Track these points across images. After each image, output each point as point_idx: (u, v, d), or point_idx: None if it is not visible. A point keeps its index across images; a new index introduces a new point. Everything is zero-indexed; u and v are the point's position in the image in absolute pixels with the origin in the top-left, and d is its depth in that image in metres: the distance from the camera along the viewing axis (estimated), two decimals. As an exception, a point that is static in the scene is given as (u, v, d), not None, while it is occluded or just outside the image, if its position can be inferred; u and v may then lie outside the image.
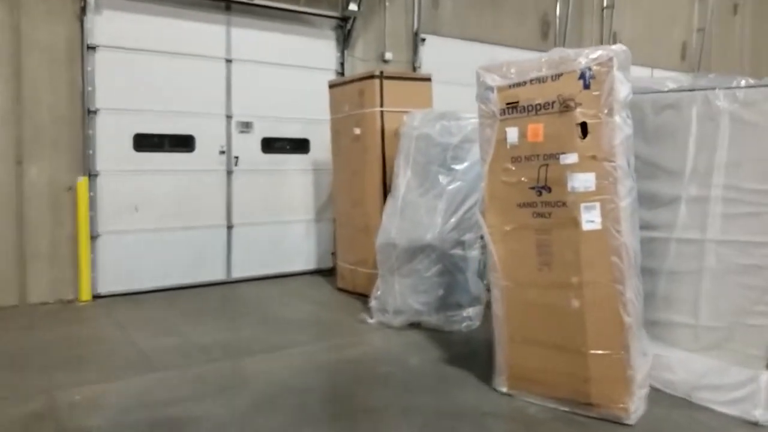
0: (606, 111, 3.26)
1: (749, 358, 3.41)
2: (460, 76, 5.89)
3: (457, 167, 4.82)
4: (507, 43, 8.49)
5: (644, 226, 3.64)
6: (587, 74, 3.27)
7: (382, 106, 5.60)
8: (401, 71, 6.48)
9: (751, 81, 3.49)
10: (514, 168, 3.55)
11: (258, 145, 6.88)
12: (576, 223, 3.34)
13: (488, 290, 4.94)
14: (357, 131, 5.80)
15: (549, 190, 3.43)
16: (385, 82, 5.58)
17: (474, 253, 4.87)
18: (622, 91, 3.28)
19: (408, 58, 7.71)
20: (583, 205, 3.32)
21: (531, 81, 3.45)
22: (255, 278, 6.93)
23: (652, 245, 3.74)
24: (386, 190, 5.65)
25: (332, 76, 7.05)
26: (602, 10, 9.46)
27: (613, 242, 3.30)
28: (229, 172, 6.72)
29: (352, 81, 5.87)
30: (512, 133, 3.54)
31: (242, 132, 6.74)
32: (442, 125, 4.92)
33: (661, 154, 3.75)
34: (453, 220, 4.78)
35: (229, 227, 6.79)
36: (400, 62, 7.56)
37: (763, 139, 3.38)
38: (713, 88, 3.56)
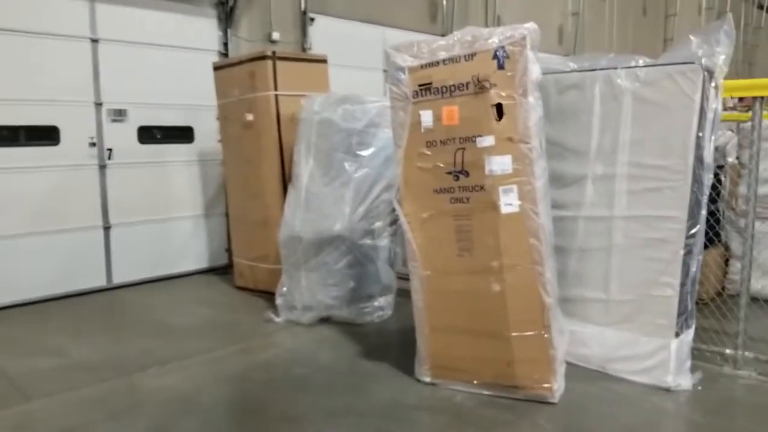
0: (521, 91, 3.21)
1: (658, 328, 3.55)
2: (352, 58, 5.71)
3: (363, 153, 4.62)
4: (398, 25, 8.37)
5: (553, 206, 3.65)
6: (501, 54, 3.19)
7: (276, 89, 5.24)
8: (295, 52, 6.13)
9: (649, 60, 3.60)
10: (429, 153, 3.41)
11: (134, 135, 6.23)
12: (495, 206, 3.28)
13: (399, 278, 4.88)
14: (249, 117, 5.40)
15: (466, 174, 3.33)
16: (279, 64, 5.22)
17: (384, 241, 4.71)
18: (534, 71, 3.23)
19: (297, 39, 7.35)
20: (501, 188, 3.26)
21: (444, 61, 3.31)
22: (141, 282, 6.32)
23: (562, 224, 3.78)
24: (285, 180, 5.33)
25: (215, 58, 6.53)
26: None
27: (531, 224, 3.28)
28: (102, 167, 6.04)
29: (241, 62, 5.44)
30: (426, 117, 3.39)
31: (115, 121, 6.06)
32: (344, 109, 4.68)
33: (566, 133, 3.79)
34: (361, 209, 4.59)
35: (107, 228, 6.11)
36: (288, 43, 7.18)
37: (663, 117, 3.49)
38: (615, 68, 3.63)
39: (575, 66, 3.75)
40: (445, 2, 9.03)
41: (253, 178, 5.56)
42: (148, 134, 6.33)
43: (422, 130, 3.40)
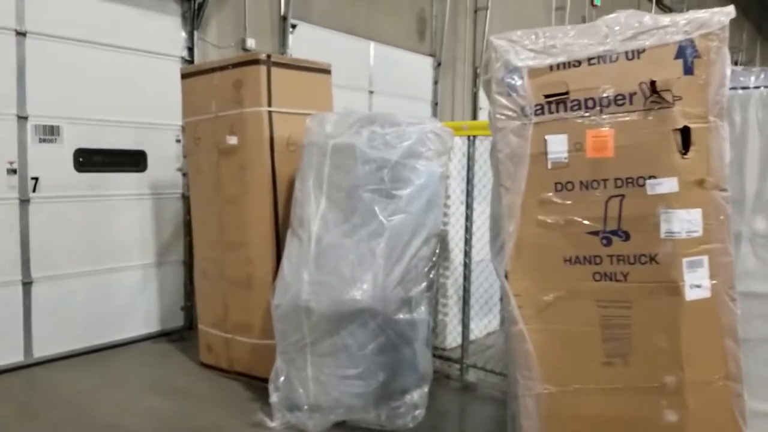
0: (716, 110, 2.05)
1: None
2: (335, 75, 4.52)
3: (400, 193, 3.35)
4: (384, 40, 7.22)
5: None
6: (689, 51, 2.03)
7: (270, 104, 3.91)
8: (294, 58, 4.78)
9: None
10: (560, 201, 2.19)
11: (69, 161, 4.70)
12: (674, 289, 2.08)
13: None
14: (232, 140, 4.03)
15: (625, 236, 2.12)
16: (275, 72, 3.91)
17: (423, 314, 3.43)
18: (728, 79, 2.10)
19: (275, 48, 6.04)
20: (685, 260, 2.07)
21: (590, 60, 2.12)
22: (70, 355, 4.73)
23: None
24: (278, 225, 3.99)
25: (177, 65, 5.13)
26: (475, 12, 8.67)
27: (727, 317, 2.11)
28: (24, 201, 4.48)
29: (222, 68, 4.08)
30: (557, 144, 2.17)
31: (44, 141, 4.53)
32: (373, 133, 3.41)
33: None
34: (398, 269, 3.30)
35: (27, 283, 4.52)
36: (264, 53, 5.86)
37: None
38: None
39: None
40: (434, 19, 7.96)
41: (232, 221, 4.16)
42: (87, 159, 4.80)
43: (549, 166, 2.18)
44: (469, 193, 3.98)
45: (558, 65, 2.15)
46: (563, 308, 2.22)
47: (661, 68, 2.04)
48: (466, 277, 4.08)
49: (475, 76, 8.32)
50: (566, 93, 2.14)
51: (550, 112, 2.17)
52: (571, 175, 2.16)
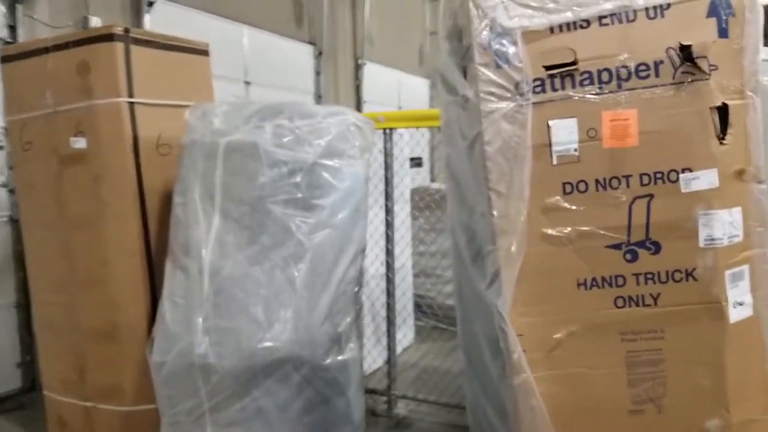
0: (753, 82, 1.64)
1: None
2: None
3: (321, 202, 2.65)
4: (259, 25, 6.39)
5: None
6: (723, 6, 1.58)
7: (131, 93, 3.00)
8: (164, 35, 3.75)
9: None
10: (570, 207, 1.66)
11: None
12: (717, 310, 1.64)
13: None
14: (78, 143, 3.04)
15: (655, 248, 1.64)
16: (136, 51, 2.99)
17: (355, 351, 2.77)
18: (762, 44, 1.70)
19: (126, 31, 5.01)
20: (728, 273, 1.64)
21: (601, 18, 1.61)
22: None
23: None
24: (151, 253, 3.12)
25: (-7, 50, 3.97)
26: (352, 6, 8.08)
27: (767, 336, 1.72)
28: None
29: (60, 47, 3.05)
30: (564, 132, 1.64)
31: None
32: (279, 127, 2.67)
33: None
34: (325, 300, 2.60)
35: None
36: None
37: None
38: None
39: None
40: (311, 5, 7.26)
41: (85, 251, 3.16)
42: None
43: (554, 161, 1.65)
44: (389, 196, 3.38)
45: (561, 26, 1.61)
46: (578, 346, 1.70)
47: (692, 29, 1.59)
48: (390, 294, 3.49)
49: (357, 67, 7.75)
50: (574, 63, 1.61)
51: (554, 89, 1.63)
52: (584, 172, 1.64)
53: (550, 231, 1.66)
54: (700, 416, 1.67)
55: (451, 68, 1.84)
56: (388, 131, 3.34)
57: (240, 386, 2.55)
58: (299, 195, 2.64)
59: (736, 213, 1.63)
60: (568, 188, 1.65)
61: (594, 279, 1.67)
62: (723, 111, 1.59)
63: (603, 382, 1.70)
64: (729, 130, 1.60)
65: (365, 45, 7.85)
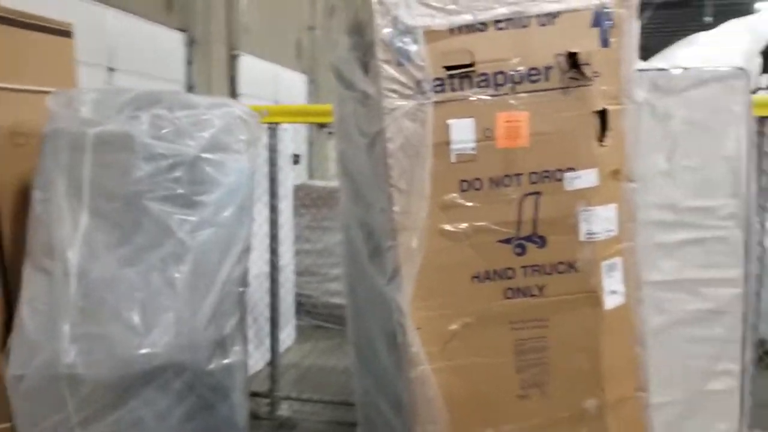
0: (629, 89, 1.80)
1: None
2: None
3: (204, 199, 2.50)
4: (124, 7, 5.94)
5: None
6: (605, 18, 1.72)
7: (-23, 76, 2.67)
8: (16, 10, 3.24)
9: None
10: (466, 203, 1.71)
11: None
12: (594, 299, 1.78)
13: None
14: None
15: (541, 241, 1.75)
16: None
17: (240, 355, 2.66)
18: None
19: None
20: (604, 264, 1.78)
21: (497, 23, 1.67)
22: None
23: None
24: (4, 256, 2.79)
25: None
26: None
27: (637, 322, 1.90)
28: None
29: None
30: (462, 131, 1.68)
31: None
32: (157, 117, 2.48)
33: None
34: (209, 302, 2.46)
35: None
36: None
37: (701, 140, 2.50)
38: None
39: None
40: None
41: None
42: None
43: (453, 159, 1.69)
44: (274, 194, 3.29)
45: (461, 28, 1.66)
46: (472, 337, 1.77)
47: (578, 38, 1.70)
48: (274, 294, 3.40)
49: (232, 58, 7.46)
50: (472, 65, 1.67)
51: (453, 90, 1.67)
52: (480, 170, 1.70)
53: (447, 227, 1.71)
54: (580, 397, 1.81)
55: (350, 63, 1.83)
56: (272, 126, 3.25)
57: (114, 397, 2.35)
58: (180, 191, 2.49)
59: (612, 209, 1.78)
60: (465, 186, 1.70)
61: (487, 272, 1.74)
62: (603, 115, 1.73)
63: (494, 370, 1.78)
64: (608, 133, 1.75)
65: (241, 35, 7.59)
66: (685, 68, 2.51)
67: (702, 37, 2.66)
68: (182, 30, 6.89)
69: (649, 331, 2.47)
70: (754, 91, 2.74)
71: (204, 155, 2.53)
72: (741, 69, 2.46)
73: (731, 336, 2.52)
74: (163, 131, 2.51)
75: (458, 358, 1.77)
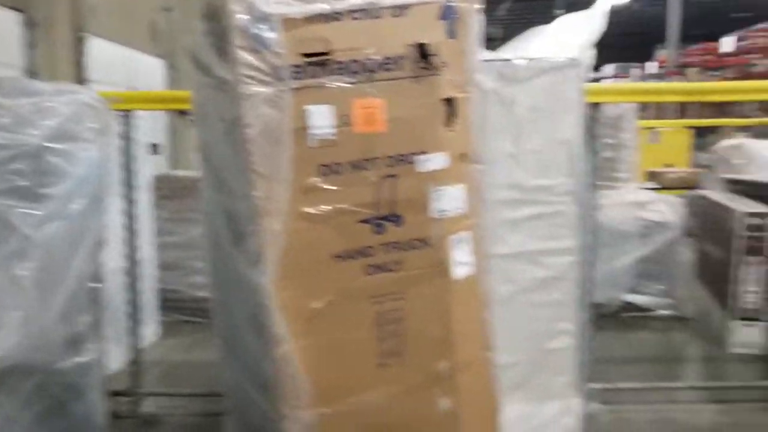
0: (473, 79, 1.96)
1: (559, 388, 2.84)
2: None
3: (51, 191, 2.34)
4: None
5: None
6: (451, 11, 1.86)
7: None
8: None
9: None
10: (327, 187, 1.77)
11: None
12: (443, 271, 1.93)
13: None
14: None
15: (399, 220, 1.86)
16: None
17: (94, 352, 2.53)
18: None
19: None
20: (452, 237, 1.94)
21: (352, 13, 1.74)
22: None
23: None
24: None
25: None
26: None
27: (485, 289, 2.09)
28: None
29: None
30: (321, 117, 1.74)
31: None
32: (-7, 104, 2.29)
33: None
34: (59, 298, 2.31)
35: None
36: None
37: (539, 124, 2.77)
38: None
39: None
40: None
41: None
42: None
43: (311, 144, 1.74)
44: (129, 186, 3.14)
45: (317, 16, 1.71)
46: (335, 314, 1.84)
47: (427, 29, 1.82)
48: (133, 289, 3.25)
49: (78, 41, 6.89)
50: (328, 53, 1.73)
51: (311, 77, 1.72)
52: (340, 154, 1.78)
53: (309, 210, 1.77)
54: (433, 362, 1.95)
55: (206, 48, 1.82)
56: (125, 113, 3.10)
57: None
58: (22, 183, 2.33)
59: (461, 189, 1.94)
60: (325, 170, 1.77)
61: (348, 251, 1.82)
62: (451, 102, 1.88)
63: (356, 343, 1.88)
64: (455, 120, 1.90)
65: (88, 17, 7.03)
66: (528, 59, 2.76)
67: (543, 30, 2.93)
68: (18, 9, 6.25)
69: (499, 299, 2.74)
70: (589, 81, 3.09)
71: (49, 145, 2.38)
72: (575, 60, 2.76)
73: (568, 299, 2.83)
74: (1, 120, 2.32)
75: (322, 335, 1.84)
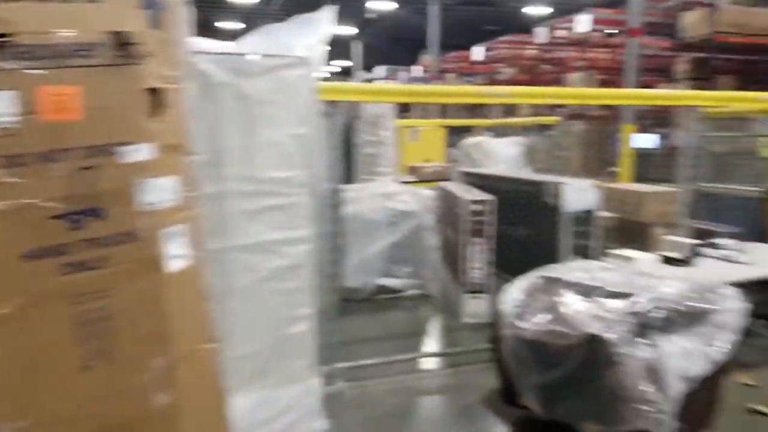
0: (183, 71, 1.93)
1: (299, 372, 2.97)
2: None
3: None
4: None
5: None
6: (155, 2, 1.80)
7: None
8: None
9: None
10: (11, 180, 1.61)
11: None
12: (155, 265, 1.89)
13: None
14: None
15: (101, 214, 1.77)
16: None
17: None
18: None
19: None
20: (165, 230, 1.91)
21: (36, -9, 1.60)
22: None
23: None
24: None
25: None
26: None
27: (204, 280, 2.10)
28: None
29: None
30: (3, 105, 1.58)
31: None
32: None
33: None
34: None
35: None
36: None
37: (276, 118, 2.85)
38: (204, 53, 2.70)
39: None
40: None
41: None
42: None
43: (-10, 132, 1.57)
44: None
45: (-4, -6, 1.54)
46: (26, 318, 1.70)
47: (129, 17, 1.75)
48: None
49: None
50: (10, 35, 1.57)
51: (-13, 59, 1.56)
52: (24, 145, 1.63)
53: (-8, 206, 1.60)
54: (147, 358, 1.91)
55: None
56: None
57: None
58: None
59: (171, 180, 1.91)
60: (7, 162, 1.62)
61: (39, 250, 1.69)
62: (156, 93, 1.84)
63: (53, 348, 1.76)
64: (164, 110, 1.86)
65: None
66: (261, 55, 2.81)
67: (276, 27, 3.01)
68: None
69: (240, 290, 2.79)
70: (323, 79, 3.24)
71: None
72: (305, 58, 2.88)
73: (306, 286, 2.98)
74: None
75: (14, 342, 1.69)
